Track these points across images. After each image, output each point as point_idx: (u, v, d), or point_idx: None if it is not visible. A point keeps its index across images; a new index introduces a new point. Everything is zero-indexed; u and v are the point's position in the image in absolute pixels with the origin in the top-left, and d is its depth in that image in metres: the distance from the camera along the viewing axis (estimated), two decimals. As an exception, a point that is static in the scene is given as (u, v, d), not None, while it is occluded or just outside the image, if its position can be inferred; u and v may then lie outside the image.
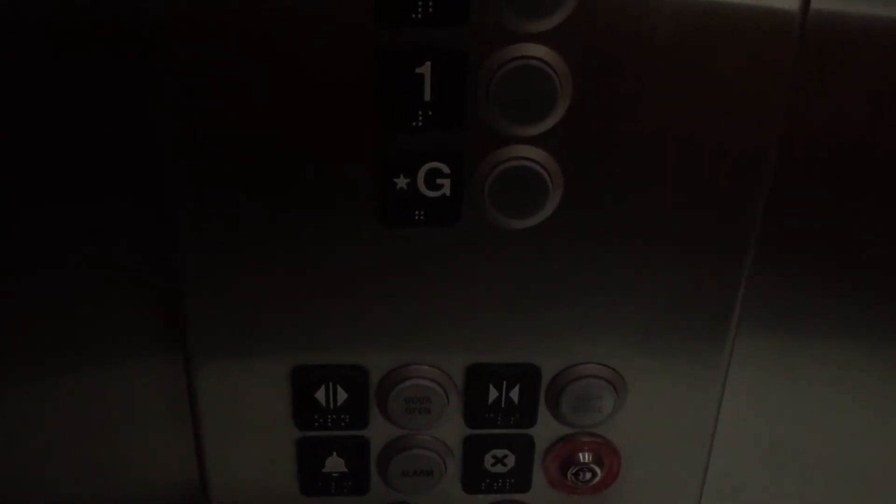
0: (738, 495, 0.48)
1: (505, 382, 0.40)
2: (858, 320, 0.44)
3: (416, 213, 0.35)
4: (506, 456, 0.42)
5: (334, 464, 0.41)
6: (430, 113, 0.33)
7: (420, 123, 0.34)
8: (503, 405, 0.40)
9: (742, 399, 0.44)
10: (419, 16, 0.31)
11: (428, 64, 0.33)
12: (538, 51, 0.33)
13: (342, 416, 0.40)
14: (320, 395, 0.39)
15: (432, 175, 0.35)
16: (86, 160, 0.37)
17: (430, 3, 0.31)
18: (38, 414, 0.43)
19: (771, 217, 0.38)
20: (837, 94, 0.38)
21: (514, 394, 0.40)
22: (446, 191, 0.35)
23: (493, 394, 0.40)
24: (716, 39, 0.33)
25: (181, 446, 0.42)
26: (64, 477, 0.44)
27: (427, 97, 0.33)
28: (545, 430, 0.42)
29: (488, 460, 0.42)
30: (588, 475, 0.42)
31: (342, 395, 0.40)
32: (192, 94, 0.33)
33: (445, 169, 0.35)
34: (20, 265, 0.39)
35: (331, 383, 0.39)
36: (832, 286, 0.43)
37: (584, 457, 0.42)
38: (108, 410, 0.42)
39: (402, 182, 0.35)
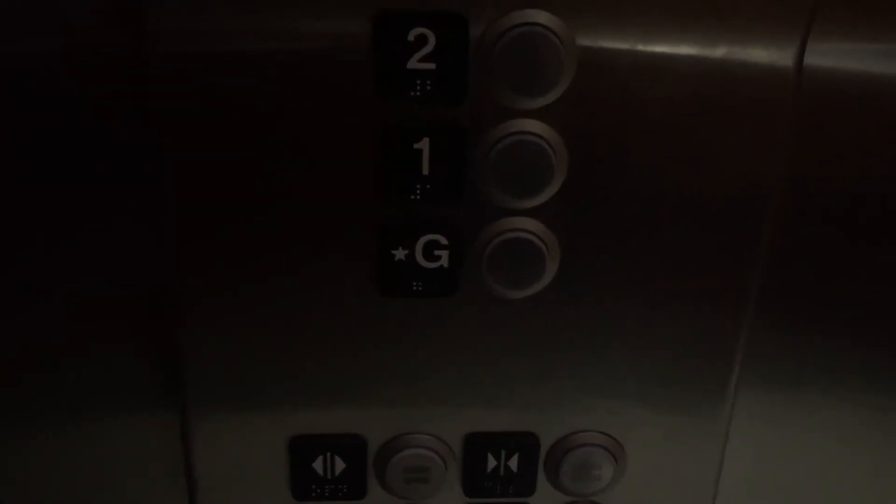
0: None
1: (503, 451, 0.40)
2: (859, 376, 0.44)
3: (415, 284, 0.36)
4: (505, 525, 0.42)
5: (332, 535, 0.41)
6: (429, 186, 0.34)
7: (418, 196, 0.34)
8: (502, 474, 0.40)
9: (741, 456, 0.44)
10: (418, 93, 0.32)
11: (426, 139, 0.33)
12: (534, 126, 0.33)
13: (340, 487, 0.40)
14: (318, 465, 0.39)
15: (430, 247, 0.35)
16: (82, 212, 0.37)
17: (429, 81, 0.32)
18: (29, 470, 0.42)
19: (769, 274, 0.39)
20: (834, 151, 0.38)
21: (513, 462, 0.40)
22: (444, 262, 0.35)
23: (491, 463, 0.40)
24: (711, 103, 0.34)
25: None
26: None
27: (426, 171, 0.34)
28: (544, 499, 0.41)
29: (488, 530, 0.42)
30: (588, 544, 0.42)
31: (340, 465, 0.40)
32: (194, 165, 0.34)
33: (443, 241, 0.35)
34: (13, 316, 0.39)
35: (329, 453, 0.39)
36: (832, 342, 0.43)
37: (584, 526, 0.42)
38: (102, 468, 0.42)
39: (400, 253, 0.35)
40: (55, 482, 0.43)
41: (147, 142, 0.34)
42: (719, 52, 0.33)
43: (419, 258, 0.35)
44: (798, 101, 0.35)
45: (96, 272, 0.38)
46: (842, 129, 0.38)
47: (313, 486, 0.40)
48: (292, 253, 0.36)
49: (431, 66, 0.32)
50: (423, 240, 0.35)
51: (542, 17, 0.32)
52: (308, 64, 0.32)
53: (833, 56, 0.36)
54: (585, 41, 0.32)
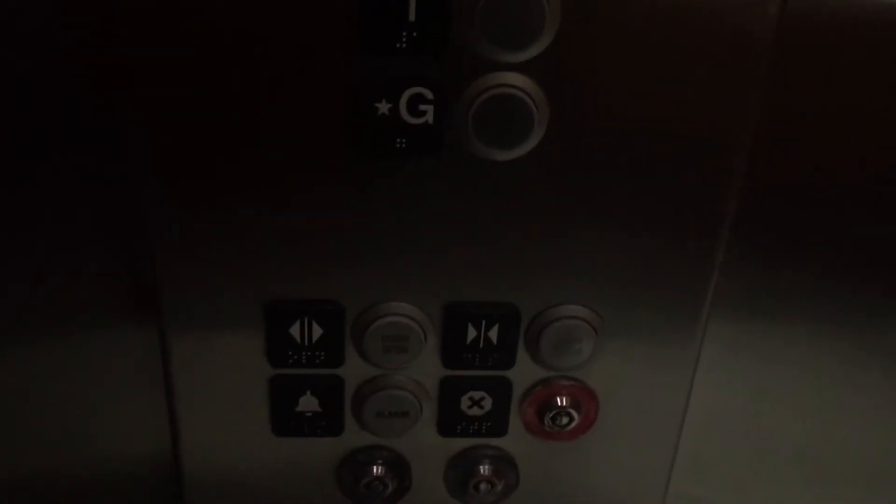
0: (706, 477, 0.48)
1: (484, 322, 0.39)
2: (831, 309, 0.44)
3: (398, 141, 0.34)
4: (483, 398, 0.41)
5: (308, 403, 0.40)
6: (415, 34, 0.32)
7: (404, 45, 0.33)
8: (481, 345, 0.40)
9: (713, 381, 0.44)
10: (406, -69, 0.31)
11: (413, -18, 0.32)
12: (527, -27, 0.32)
13: (317, 354, 0.39)
14: (295, 330, 0.38)
15: (415, 101, 0.34)
16: (45, 114, 0.36)
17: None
18: (6, 384, 0.42)
19: (745, 204, 0.38)
20: (816, 80, 0.37)
21: (493, 334, 0.40)
22: (429, 118, 0.34)
23: (471, 333, 0.39)
24: (693, 25, 0.33)
25: (153, 408, 0.41)
26: (32, 447, 0.43)
27: (412, 17, 0.32)
28: (523, 372, 0.41)
29: (465, 402, 0.41)
30: (565, 420, 0.42)
31: (317, 332, 0.39)
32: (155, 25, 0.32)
33: (429, 94, 0.34)
34: None
35: (306, 319, 0.38)
36: (805, 275, 0.42)
37: (562, 401, 0.41)
38: (82, 382, 0.41)
39: (383, 107, 0.34)
40: (35, 400, 0.42)
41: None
42: None
43: (403, 113, 0.34)
44: (781, 29, 0.34)
45: (68, 191, 0.37)
46: (824, 57, 0.37)
47: (290, 353, 0.39)
48: (263, 111, 0.34)
49: None
50: (408, 93, 0.33)
51: None
52: None
53: None
54: None
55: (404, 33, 0.32)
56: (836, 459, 0.48)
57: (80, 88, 0.35)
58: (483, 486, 0.43)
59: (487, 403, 0.41)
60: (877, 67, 0.37)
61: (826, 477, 0.48)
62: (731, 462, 0.48)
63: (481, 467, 0.43)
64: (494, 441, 0.43)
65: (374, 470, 0.43)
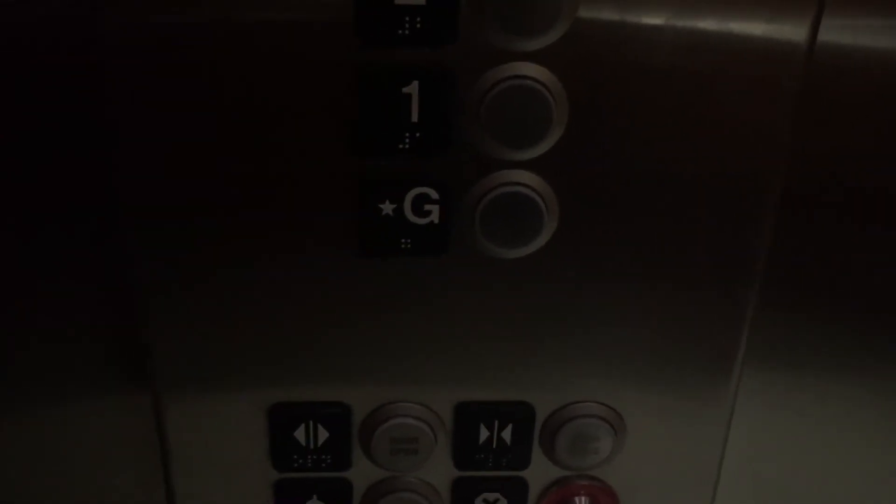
0: None
1: (497, 422, 0.38)
2: (863, 360, 0.42)
3: (403, 241, 0.33)
4: (497, 500, 0.39)
5: (315, 508, 0.39)
6: (418, 135, 0.31)
7: (407, 146, 0.32)
8: (495, 446, 0.38)
9: (744, 439, 0.42)
10: (406, 31, 0.30)
11: (415, 83, 0.31)
12: (532, 70, 0.31)
13: (323, 457, 0.38)
14: (300, 433, 0.37)
15: (420, 200, 0.33)
16: (41, 192, 0.35)
17: (418, 20, 0.30)
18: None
19: (776, 255, 0.37)
20: (843, 130, 0.36)
21: (507, 434, 0.38)
22: (434, 218, 0.33)
23: (483, 434, 0.38)
24: (718, 68, 0.32)
25: (151, 491, 0.40)
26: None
27: (415, 118, 0.31)
28: (539, 472, 0.39)
29: (479, 504, 0.40)
30: (584, 520, 0.40)
31: (323, 434, 0.37)
32: (155, 106, 0.31)
33: (434, 194, 0.33)
34: None
35: (311, 421, 0.37)
36: (837, 325, 0.41)
37: (581, 501, 0.40)
38: (75, 451, 0.40)
39: (387, 208, 0.33)
40: (27, 468, 0.41)
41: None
42: (732, 25, 0.31)
43: (408, 213, 0.33)
44: (809, 78, 0.33)
45: (60, 259, 0.36)
46: (852, 107, 0.36)
47: (295, 457, 0.38)
48: (266, 210, 0.33)
49: (421, 1, 0.29)
50: (412, 193, 0.32)
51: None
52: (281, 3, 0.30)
53: (846, 32, 0.34)
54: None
55: (407, 134, 0.31)
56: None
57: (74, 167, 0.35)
58: (500, 591, 0.41)
59: (503, 505, 0.40)
60: None
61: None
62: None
63: (498, 571, 0.41)
64: (511, 543, 0.41)
65: (386, 576, 0.41)
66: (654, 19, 0.30)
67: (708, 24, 0.30)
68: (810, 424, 0.43)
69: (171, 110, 0.31)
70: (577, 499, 0.40)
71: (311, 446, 0.38)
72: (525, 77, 0.31)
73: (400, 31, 0.30)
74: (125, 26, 0.30)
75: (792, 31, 0.31)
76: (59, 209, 0.35)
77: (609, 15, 0.30)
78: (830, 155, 0.37)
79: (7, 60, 0.32)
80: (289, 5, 0.30)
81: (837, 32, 0.33)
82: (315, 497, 0.39)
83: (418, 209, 0.33)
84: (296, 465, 0.38)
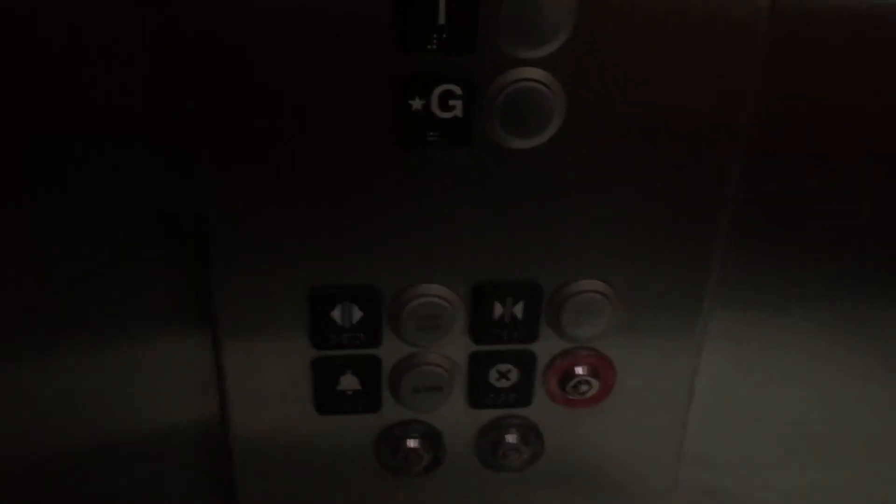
0: (711, 462, 0.52)
1: (509, 299, 0.42)
2: (831, 299, 0.47)
3: (430, 133, 0.38)
4: (509, 371, 0.45)
5: (349, 382, 0.44)
6: (444, 36, 0.36)
7: (434, 46, 0.36)
8: (507, 321, 0.43)
9: (718, 368, 0.48)
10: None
11: (442, -11, 0.35)
12: (545, -19, 0.35)
13: (357, 335, 0.42)
14: (336, 313, 0.42)
15: (445, 96, 0.37)
16: (107, 121, 0.39)
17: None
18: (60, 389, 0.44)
19: (745, 196, 0.42)
20: (807, 76, 0.41)
21: (518, 310, 0.43)
22: (458, 112, 0.37)
23: (497, 310, 0.43)
24: (693, 21, 0.37)
25: (202, 375, 0.44)
26: (81, 409, 0.46)
27: (441, 21, 0.35)
28: (546, 345, 0.44)
29: (493, 375, 0.44)
30: (585, 388, 0.45)
31: (357, 314, 0.42)
32: (220, 42, 0.35)
33: (458, 90, 0.37)
34: (49, 237, 0.41)
35: (347, 302, 0.41)
36: (804, 264, 0.46)
37: (582, 370, 0.45)
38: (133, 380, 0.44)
39: (417, 103, 0.37)
40: (86, 397, 0.45)
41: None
42: None
43: (434, 108, 0.37)
44: (772, 26, 0.37)
45: (127, 193, 0.40)
46: (815, 54, 0.40)
47: (331, 335, 0.42)
48: (311, 110, 0.37)
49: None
50: (438, 89, 0.37)
51: None
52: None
53: None
54: None
55: (435, 35, 0.36)
56: (833, 438, 0.52)
57: (141, 92, 0.38)
58: (511, 454, 0.47)
59: (514, 375, 0.45)
60: (872, 61, 0.41)
61: (824, 454, 0.52)
62: (733, 445, 0.52)
63: (509, 436, 0.46)
64: (521, 411, 0.46)
65: (410, 443, 0.46)
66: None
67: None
68: (778, 360, 0.48)
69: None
70: (579, 367, 0.45)
71: (346, 325, 0.42)
72: (538, -16, 0.35)
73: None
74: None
75: None
76: (131, 148, 0.39)
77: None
78: (796, 101, 0.41)
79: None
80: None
81: None
82: (349, 372, 0.43)
83: (444, 104, 0.37)
84: (332, 342, 0.42)
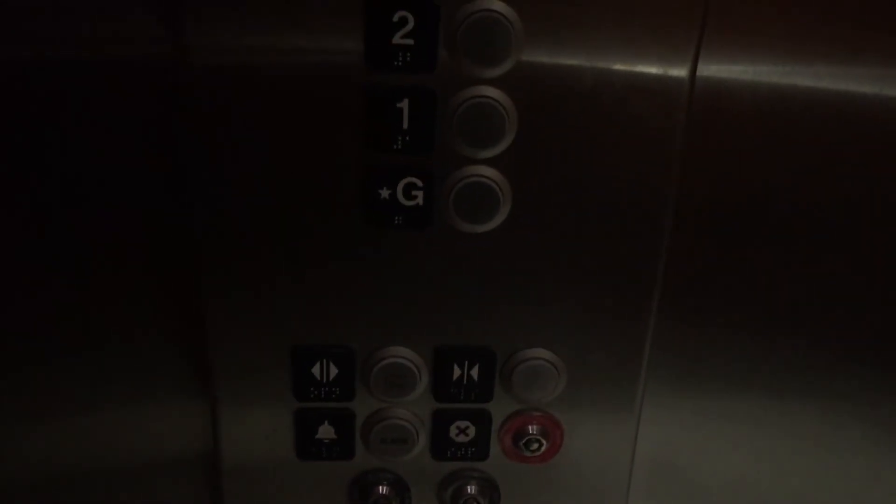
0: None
1: (466, 362, 0.49)
2: (761, 368, 0.52)
3: (396, 218, 0.45)
4: (468, 427, 0.50)
5: (326, 431, 0.50)
6: (408, 138, 0.43)
7: (399, 146, 0.43)
8: (465, 382, 0.49)
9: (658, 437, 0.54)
10: (399, 63, 0.41)
11: (406, 100, 0.42)
12: (491, 92, 0.42)
13: (333, 389, 0.49)
14: (316, 370, 0.48)
15: (409, 188, 0.44)
16: (113, 197, 0.46)
17: (408, 54, 0.41)
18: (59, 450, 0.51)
19: (673, 273, 0.47)
20: (728, 156, 0.47)
21: (475, 372, 0.49)
22: (420, 201, 0.44)
23: (456, 372, 0.49)
24: (610, 111, 0.43)
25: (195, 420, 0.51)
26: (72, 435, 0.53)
27: (405, 126, 0.43)
28: (500, 405, 0.50)
29: (453, 431, 0.50)
30: (536, 445, 0.51)
31: (333, 371, 0.48)
32: (217, 140, 0.43)
33: (419, 183, 0.44)
34: (43, 303, 0.48)
35: (325, 360, 0.48)
36: (733, 336, 0.51)
37: (532, 429, 0.51)
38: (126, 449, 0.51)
39: (384, 193, 0.44)
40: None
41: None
42: (616, 63, 0.42)
43: (400, 197, 0.44)
44: (692, 110, 0.44)
45: (125, 263, 0.48)
46: (734, 137, 0.46)
47: (312, 389, 0.49)
48: (296, 199, 0.44)
49: (410, 41, 0.41)
50: (403, 181, 0.44)
51: (496, 4, 0.41)
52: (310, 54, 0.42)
53: (725, 67, 0.45)
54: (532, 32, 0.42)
55: (399, 137, 0.43)
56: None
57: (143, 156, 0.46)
58: (470, 503, 0.52)
59: (472, 431, 0.51)
60: (785, 141, 0.47)
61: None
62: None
63: (468, 487, 0.52)
64: (479, 464, 0.52)
65: (380, 489, 0.52)
66: (573, 61, 0.42)
67: (613, 63, 0.42)
68: (712, 428, 0.54)
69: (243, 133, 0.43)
70: (530, 426, 0.51)
71: (324, 380, 0.49)
72: (486, 97, 0.42)
73: (395, 63, 0.41)
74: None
75: (676, 69, 0.43)
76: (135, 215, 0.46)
77: (544, 58, 0.42)
78: (720, 179, 0.47)
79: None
80: (315, 46, 0.42)
81: (715, 68, 0.45)
82: (326, 422, 0.50)
83: (408, 194, 0.44)
84: (312, 395, 0.49)
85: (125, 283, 0.48)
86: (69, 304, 0.48)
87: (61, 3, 0.42)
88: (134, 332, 0.49)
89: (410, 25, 0.41)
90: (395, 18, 0.40)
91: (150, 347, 0.50)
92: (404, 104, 0.42)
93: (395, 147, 0.43)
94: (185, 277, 0.47)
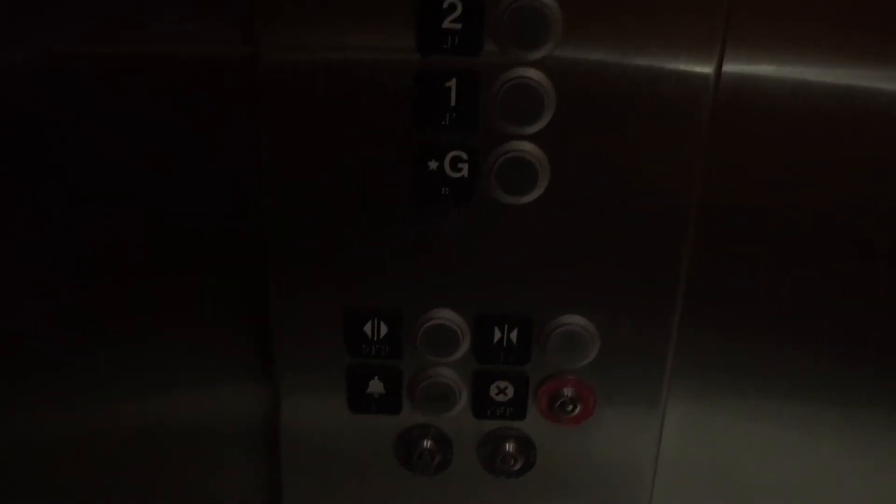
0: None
1: (506, 326, 0.53)
2: (788, 377, 0.55)
3: (443, 189, 0.49)
4: (507, 387, 0.54)
5: (375, 386, 0.54)
6: (455, 115, 0.47)
7: (447, 122, 0.47)
8: (504, 345, 0.53)
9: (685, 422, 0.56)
10: (448, 46, 0.46)
11: (454, 80, 0.46)
12: (533, 73, 0.46)
13: (383, 346, 0.53)
14: (367, 328, 0.53)
15: (455, 161, 0.48)
16: (183, 194, 0.52)
17: (456, 38, 0.45)
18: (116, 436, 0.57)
19: (696, 277, 0.50)
20: (754, 154, 0.49)
21: (514, 336, 0.53)
22: (465, 173, 0.48)
23: (497, 335, 0.53)
24: (636, 106, 0.46)
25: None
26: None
27: (453, 103, 0.47)
28: (537, 368, 0.54)
29: (493, 390, 0.54)
30: (570, 407, 0.54)
31: (383, 330, 0.53)
32: (284, 130, 0.48)
33: (464, 156, 0.48)
34: (110, 287, 0.53)
35: (376, 320, 0.52)
36: (759, 344, 0.54)
37: (567, 392, 0.54)
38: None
39: (433, 165, 0.48)
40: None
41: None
42: (644, 53, 0.46)
43: (447, 168, 0.48)
44: (717, 106, 0.45)
45: (192, 252, 0.53)
46: (759, 132, 0.47)
47: (363, 346, 0.53)
48: (353, 174, 0.49)
49: (458, 26, 0.45)
50: (450, 154, 0.48)
51: (538, -6, 0.45)
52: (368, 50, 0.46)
53: (751, 62, 0.47)
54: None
55: (447, 113, 0.47)
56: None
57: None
58: (509, 460, 0.56)
59: (510, 391, 0.54)
60: (814, 137, 0.49)
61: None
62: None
63: (506, 444, 0.56)
64: (517, 423, 0.56)
65: (424, 444, 0.56)
66: (605, 47, 0.46)
67: (641, 51, 0.46)
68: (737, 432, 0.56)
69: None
70: (564, 390, 0.54)
71: (375, 338, 0.53)
72: (527, 78, 0.46)
73: (444, 45, 0.46)
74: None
75: (699, 63, 0.46)
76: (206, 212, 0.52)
77: (580, 44, 0.46)
78: (745, 179, 0.49)
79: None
80: (372, 42, 0.46)
81: (741, 63, 0.48)
82: (376, 378, 0.54)
83: (454, 166, 0.48)
84: (363, 352, 0.53)
85: (194, 269, 0.54)
86: (139, 288, 0.54)
87: (132, 4, 0.47)
88: (202, 310, 0.55)
89: (458, 11, 0.45)
90: (445, 5, 0.45)
91: (212, 325, 0.55)
92: (452, 83, 0.46)
93: (443, 123, 0.47)
94: (249, 254, 0.52)
